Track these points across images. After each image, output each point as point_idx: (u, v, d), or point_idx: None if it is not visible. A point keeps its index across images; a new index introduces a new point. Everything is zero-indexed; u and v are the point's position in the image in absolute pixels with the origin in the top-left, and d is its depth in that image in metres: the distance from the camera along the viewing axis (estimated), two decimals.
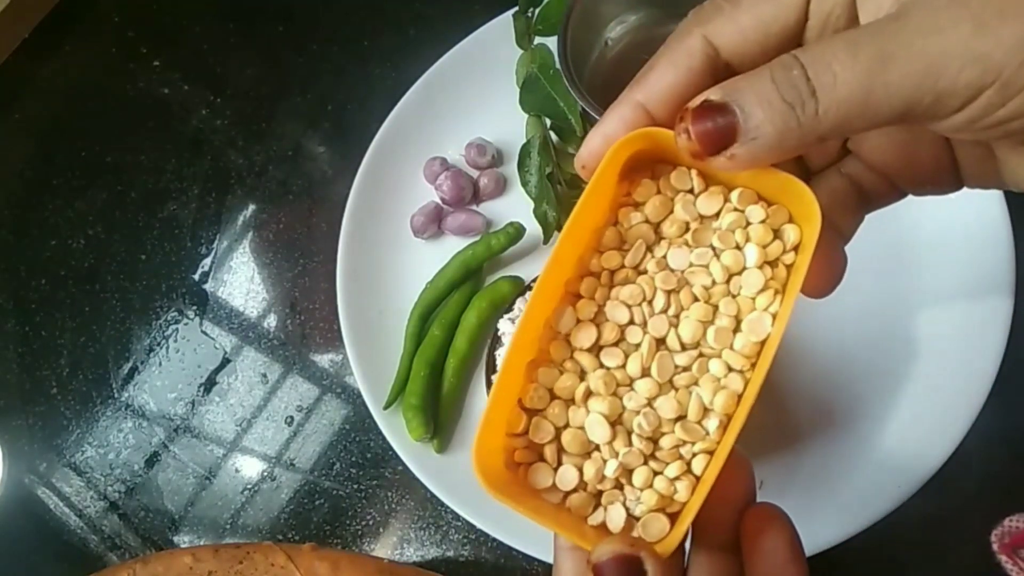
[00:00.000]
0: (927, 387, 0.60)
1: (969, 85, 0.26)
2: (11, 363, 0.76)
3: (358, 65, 0.82)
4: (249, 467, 0.70)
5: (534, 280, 0.64)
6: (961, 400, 0.58)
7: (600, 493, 0.32)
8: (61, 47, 0.88)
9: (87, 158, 0.83)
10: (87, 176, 0.82)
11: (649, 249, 0.33)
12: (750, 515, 0.32)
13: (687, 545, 0.32)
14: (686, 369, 0.32)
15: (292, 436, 0.70)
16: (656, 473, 0.32)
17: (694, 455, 0.32)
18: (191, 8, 0.88)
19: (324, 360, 0.72)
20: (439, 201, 0.72)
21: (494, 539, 0.62)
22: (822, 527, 0.56)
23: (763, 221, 0.32)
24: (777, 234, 0.32)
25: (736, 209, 0.32)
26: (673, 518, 0.31)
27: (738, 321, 0.32)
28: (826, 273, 0.34)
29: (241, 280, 0.76)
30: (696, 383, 0.32)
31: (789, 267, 0.32)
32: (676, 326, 0.32)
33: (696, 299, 0.32)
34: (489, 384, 0.63)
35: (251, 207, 0.79)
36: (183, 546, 0.68)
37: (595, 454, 0.32)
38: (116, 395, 0.74)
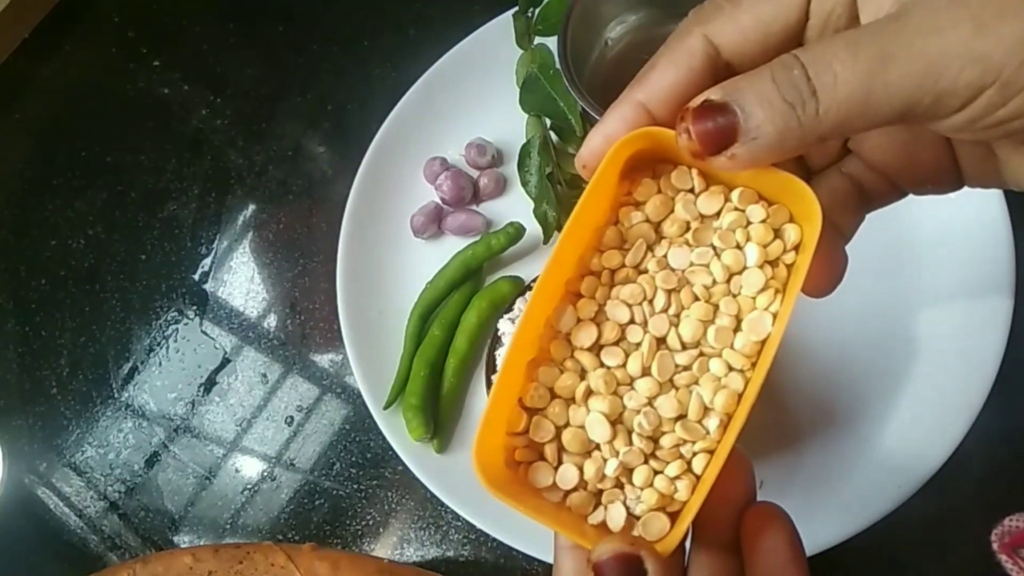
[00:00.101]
0: (927, 387, 0.60)
1: (969, 85, 0.26)
2: (11, 363, 0.76)
3: (358, 65, 0.82)
4: (249, 467, 0.70)
5: (534, 280, 0.64)
6: (961, 400, 0.58)
7: (600, 492, 0.32)
8: (61, 47, 0.88)
9: (87, 158, 0.83)
10: (87, 176, 0.82)
11: (650, 248, 0.33)
12: (750, 514, 0.32)
13: (687, 544, 0.32)
14: (686, 368, 0.32)
15: (292, 436, 0.70)
16: (656, 472, 0.32)
17: (694, 454, 0.32)
18: (191, 8, 0.88)
19: (324, 360, 0.72)
20: (439, 201, 0.72)
21: (494, 539, 0.62)
22: (822, 527, 0.56)
23: (764, 221, 0.32)
24: (778, 234, 0.32)
25: (737, 208, 0.32)
26: (673, 517, 0.31)
27: (739, 320, 0.32)
28: (827, 273, 0.34)
29: (241, 280, 0.76)
30: (696, 382, 0.32)
31: (790, 267, 0.32)
32: (677, 325, 0.32)
33: (697, 298, 0.32)
34: (489, 384, 0.63)
35: (251, 207, 0.79)
36: (183, 546, 0.68)
37: (595, 453, 0.32)
38: (116, 395, 0.74)
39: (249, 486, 0.69)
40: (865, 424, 0.61)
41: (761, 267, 0.32)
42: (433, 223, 0.71)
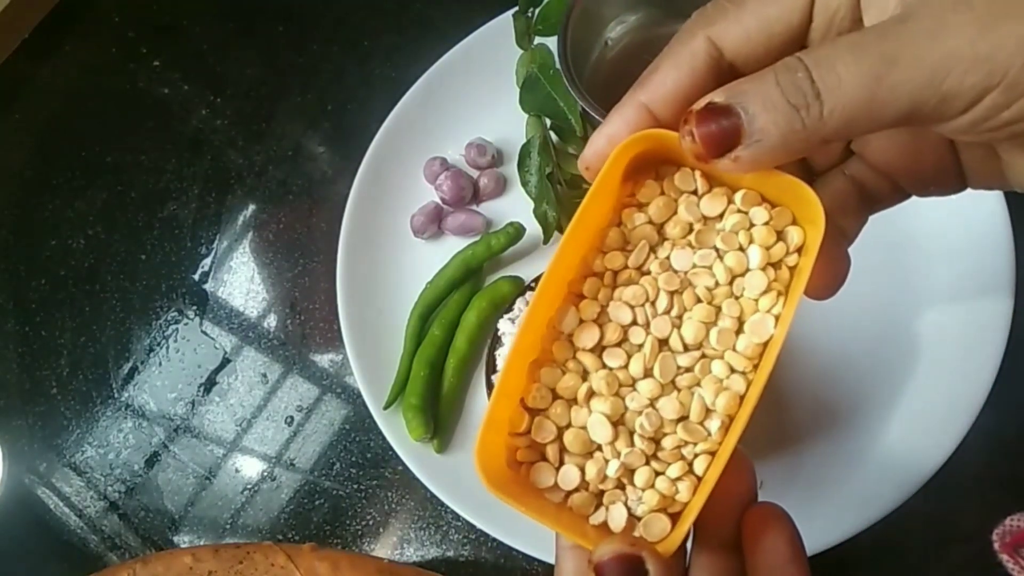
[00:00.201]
0: (927, 387, 0.60)
1: (974, 87, 0.26)
2: (11, 363, 0.76)
3: (358, 65, 0.82)
4: (249, 467, 0.70)
5: (534, 280, 0.64)
6: (961, 400, 0.58)
7: (602, 493, 0.32)
8: (61, 47, 0.88)
9: (87, 158, 0.83)
10: (87, 176, 0.82)
11: (652, 250, 0.33)
12: (751, 514, 0.32)
13: (688, 544, 0.32)
14: (688, 370, 0.32)
15: (292, 436, 0.70)
16: (658, 473, 0.32)
17: (696, 456, 0.32)
18: (191, 8, 0.88)
19: (324, 360, 0.72)
20: (439, 201, 0.72)
21: (494, 539, 0.62)
22: (822, 527, 0.56)
23: (767, 223, 0.32)
24: (780, 236, 0.32)
25: (740, 211, 0.32)
26: (675, 518, 0.32)
27: (741, 322, 0.32)
28: (829, 275, 0.34)
29: (241, 280, 0.76)
30: (698, 384, 0.32)
31: (792, 269, 0.32)
32: (679, 327, 0.32)
33: (699, 300, 0.32)
34: (489, 384, 0.63)
35: (251, 207, 0.79)
36: (183, 546, 0.68)
37: (597, 454, 0.32)
38: (116, 395, 0.74)
39: (249, 486, 0.69)
40: (865, 424, 0.61)
41: (764, 269, 0.32)
42: (433, 223, 0.71)
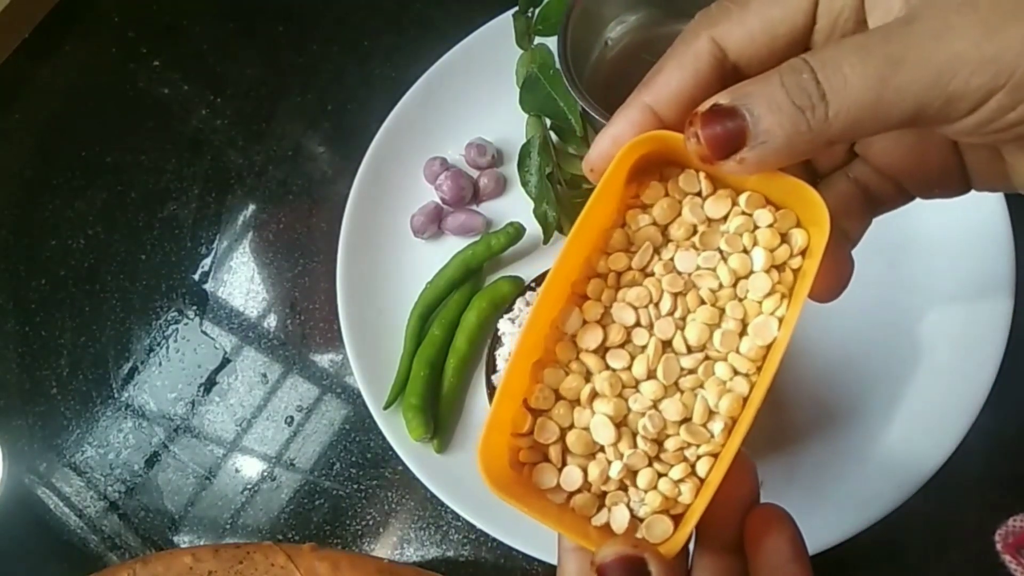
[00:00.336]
0: (927, 387, 0.61)
1: (980, 88, 0.26)
2: (11, 363, 0.76)
3: (358, 65, 0.82)
4: (249, 467, 0.70)
5: (534, 280, 0.64)
6: (961, 400, 0.58)
7: (604, 494, 0.32)
8: (61, 47, 0.88)
9: (87, 158, 0.83)
10: (87, 176, 0.82)
11: (656, 251, 0.33)
12: (753, 516, 0.32)
13: (690, 546, 0.32)
14: (692, 372, 0.32)
15: (292, 436, 0.70)
16: (660, 475, 0.32)
17: (698, 457, 0.32)
18: (191, 8, 0.88)
19: (324, 360, 0.72)
20: (439, 201, 0.72)
21: (494, 539, 0.62)
22: (822, 527, 0.56)
23: (771, 225, 0.32)
24: (785, 238, 0.32)
25: (744, 213, 0.32)
26: (677, 519, 0.32)
27: (744, 325, 0.32)
28: (833, 278, 0.33)
29: (241, 280, 0.76)
30: (701, 386, 0.32)
31: (796, 271, 0.32)
32: (682, 329, 0.32)
33: (703, 302, 0.32)
34: (489, 384, 0.63)
35: (251, 207, 0.79)
36: (183, 546, 0.68)
37: (600, 455, 0.32)
38: (116, 395, 0.74)
39: (249, 486, 0.69)
40: (865, 424, 0.61)
41: (768, 272, 0.32)
42: (433, 223, 0.71)
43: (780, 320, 0.32)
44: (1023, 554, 0.57)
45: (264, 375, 0.72)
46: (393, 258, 0.71)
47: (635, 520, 0.32)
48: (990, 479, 0.60)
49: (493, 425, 0.31)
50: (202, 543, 0.68)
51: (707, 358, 0.32)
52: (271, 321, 0.74)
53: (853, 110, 0.26)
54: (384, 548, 0.66)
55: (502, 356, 0.62)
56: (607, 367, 0.32)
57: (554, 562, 0.34)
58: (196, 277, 0.77)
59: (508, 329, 0.62)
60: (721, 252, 0.33)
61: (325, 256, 0.74)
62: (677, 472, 0.31)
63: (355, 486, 0.68)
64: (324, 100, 0.81)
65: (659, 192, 0.33)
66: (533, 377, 0.33)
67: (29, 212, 0.81)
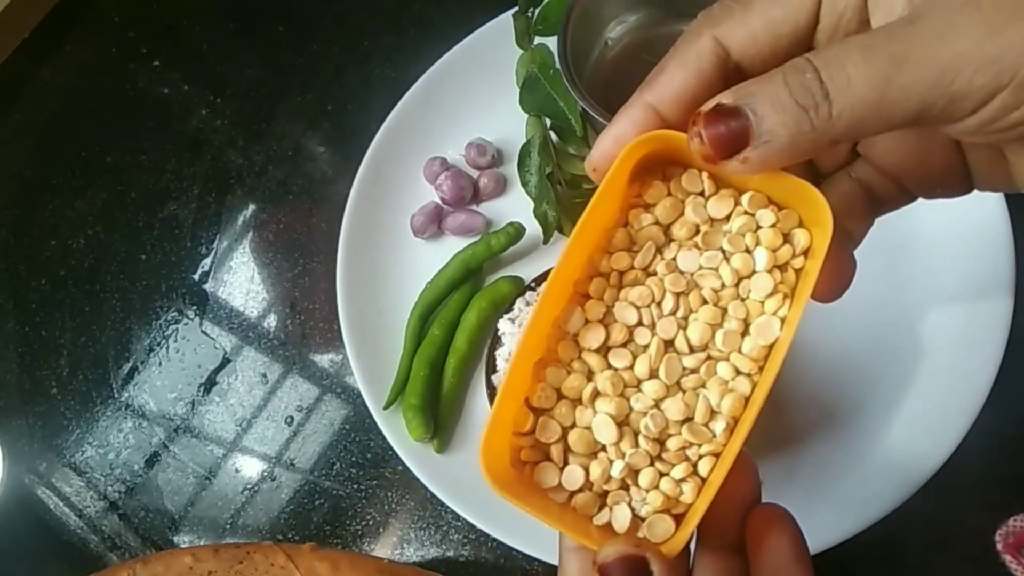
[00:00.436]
0: (927, 387, 0.61)
1: (983, 88, 0.26)
2: (11, 363, 0.76)
3: (358, 65, 0.82)
4: (249, 467, 0.70)
5: (534, 280, 0.64)
6: (961, 400, 0.58)
7: (606, 493, 0.32)
8: (61, 47, 0.88)
9: (87, 158, 0.83)
10: (87, 176, 0.82)
11: (659, 251, 0.33)
12: (755, 515, 0.32)
13: (692, 545, 0.32)
14: (694, 371, 0.32)
15: (292, 436, 0.70)
16: (662, 474, 0.32)
17: (700, 457, 0.32)
18: (191, 8, 0.88)
19: (324, 360, 0.72)
20: (439, 201, 0.72)
21: (494, 539, 0.62)
22: (823, 526, 0.56)
23: (773, 225, 0.32)
24: (787, 238, 0.32)
25: (746, 212, 0.32)
26: (678, 519, 0.32)
27: (747, 325, 0.32)
28: (836, 278, 0.33)
29: (241, 280, 0.76)
30: (703, 385, 0.32)
31: (799, 271, 0.32)
32: (684, 328, 0.32)
33: (705, 302, 0.32)
34: (489, 384, 0.63)
35: (251, 207, 0.79)
36: (183, 546, 0.68)
37: (601, 454, 0.32)
38: (116, 395, 0.74)
39: (249, 486, 0.69)
40: (865, 424, 0.61)
41: (770, 271, 0.32)
42: (433, 223, 0.71)
43: (782, 320, 0.32)
44: (1023, 554, 0.57)
45: (264, 375, 0.72)
46: (393, 258, 0.71)
47: (637, 519, 0.32)
48: (990, 479, 0.60)
49: (495, 424, 0.31)
50: (202, 543, 0.68)
51: (709, 358, 0.32)
52: (271, 321, 0.74)
53: (857, 109, 0.26)
54: (384, 548, 0.66)
55: (502, 356, 0.62)
56: (609, 366, 0.32)
57: (554, 562, 0.34)
58: (196, 277, 0.77)
59: (508, 329, 0.62)
60: (724, 252, 0.33)
61: (325, 256, 0.74)
62: (679, 472, 0.31)
63: (355, 486, 0.68)
64: (324, 100, 0.81)
65: (662, 192, 0.33)
66: (535, 376, 0.33)
67: (29, 212, 0.81)
